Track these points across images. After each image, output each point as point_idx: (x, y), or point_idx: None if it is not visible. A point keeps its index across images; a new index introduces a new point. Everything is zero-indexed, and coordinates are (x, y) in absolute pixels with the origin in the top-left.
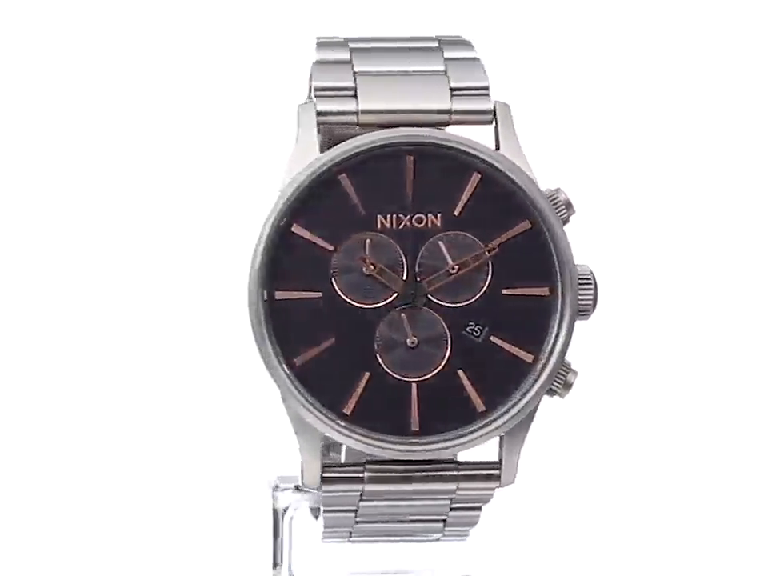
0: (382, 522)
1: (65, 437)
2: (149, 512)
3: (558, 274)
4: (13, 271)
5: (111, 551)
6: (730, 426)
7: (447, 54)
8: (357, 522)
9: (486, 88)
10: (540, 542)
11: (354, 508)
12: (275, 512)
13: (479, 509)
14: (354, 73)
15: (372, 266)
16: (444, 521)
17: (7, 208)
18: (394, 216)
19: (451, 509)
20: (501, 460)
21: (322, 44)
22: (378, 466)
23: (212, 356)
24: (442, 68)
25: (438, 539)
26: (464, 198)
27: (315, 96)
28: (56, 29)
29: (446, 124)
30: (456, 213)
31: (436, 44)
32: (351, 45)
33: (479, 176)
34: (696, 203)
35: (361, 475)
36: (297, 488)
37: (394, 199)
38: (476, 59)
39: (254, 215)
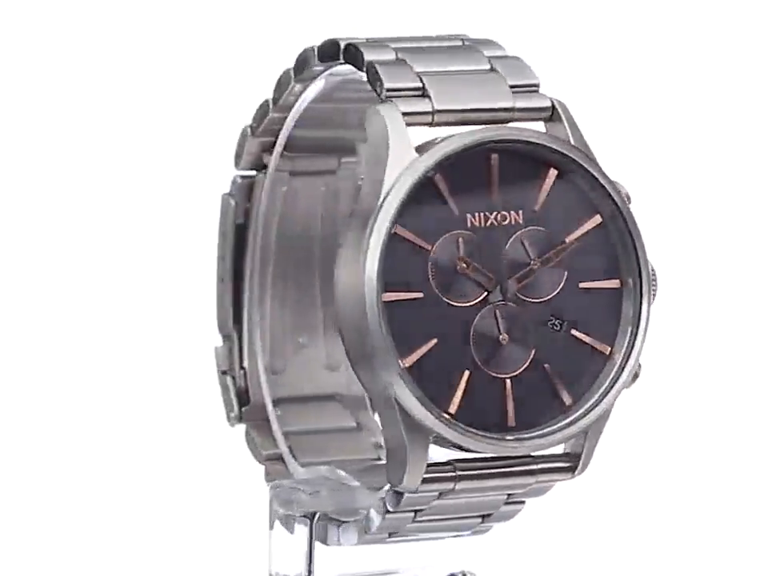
0: (435, 520)
1: (68, 441)
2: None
3: (634, 265)
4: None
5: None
6: (736, 425)
7: (487, 53)
8: (413, 522)
9: (537, 85)
10: (534, 537)
11: (422, 508)
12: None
13: (524, 502)
14: (417, 73)
15: (465, 265)
16: (487, 516)
17: None
18: (482, 214)
19: (505, 503)
20: (581, 452)
21: (364, 45)
22: (467, 464)
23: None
24: (487, 66)
25: (462, 535)
26: (543, 194)
27: (389, 97)
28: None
29: (508, 122)
30: (535, 208)
31: (460, 42)
32: (391, 45)
33: (556, 171)
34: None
35: (453, 474)
36: None
37: (482, 197)
38: (518, 57)
39: None
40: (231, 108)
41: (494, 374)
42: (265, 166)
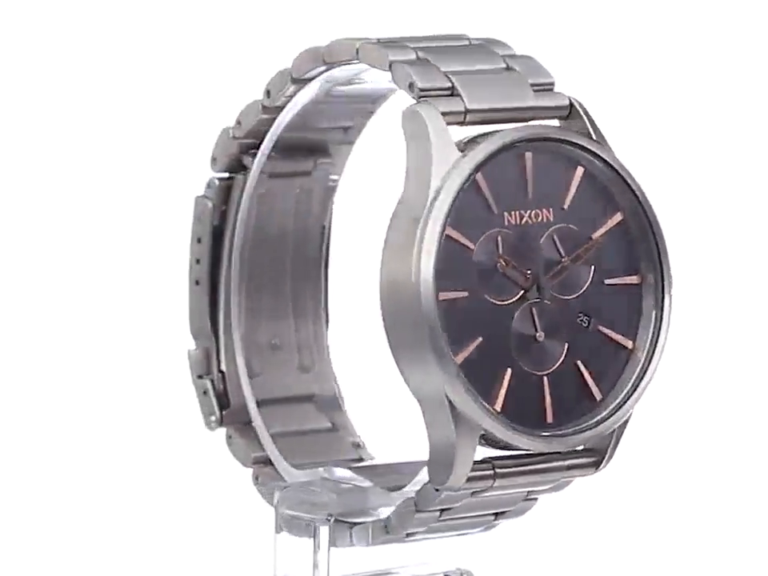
0: (457, 518)
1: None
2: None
3: (655, 261)
4: None
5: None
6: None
7: (500, 52)
8: (437, 521)
9: (553, 83)
10: (528, 534)
11: (452, 506)
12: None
13: (537, 499)
14: (444, 73)
15: (505, 263)
16: (502, 513)
17: None
18: (518, 212)
19: (524, 499)
20: (604, 447)
21: (384, 45)
22: (504, 461)
23: None
24: (503, 65)
25: (470, 533)
26: (571, 191)
27: (422, 97)
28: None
29: (529, 120)
30: (564, 206)
31: (467, 42)
32: (410, 45)
33: (583, 169)
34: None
35: (491, 471)
36: None
37: (518, 195)
38: (530, 56)
39: None
40: (199, 110)
41: (532, 372)
42: (244, 168)
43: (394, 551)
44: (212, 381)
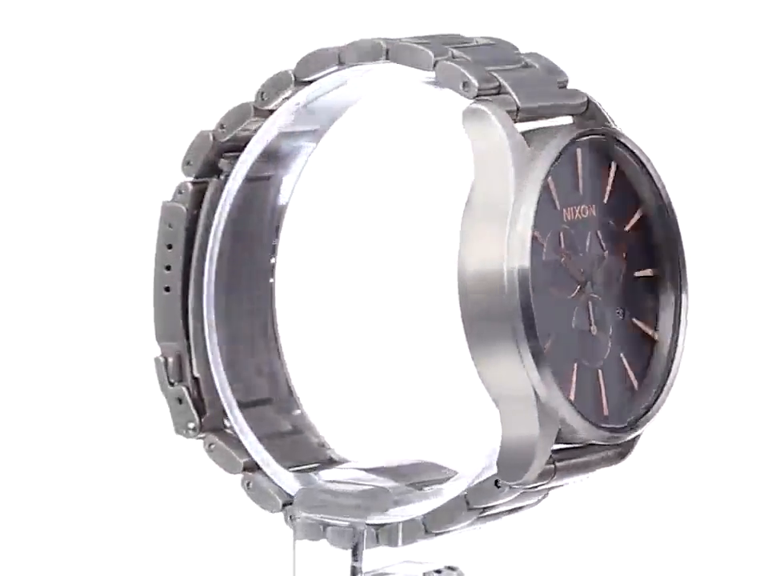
0: (488, 516)
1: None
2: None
3: (674, 254)
4: None
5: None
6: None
7: (513, 51)
8: (478, 518)
9: (568, 80)
10: (514, 530)
11: (497, 504)
12: None
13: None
14: (489, 71)
15: (567, 258)
16: (515, 510)
17: None
18: (572, 208)
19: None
20: (634, 439)
21: (419, 43)
22: (563, 455)
23: None
24: (522, 63)
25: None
26: (608, 186)
27: (479, 96)
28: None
29: (555, 117)
30: (604, 201)
31: (475, 42)
32: (441, 44)
33: (616, 164)
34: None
35: (552, 466)
36: None
37: (572, 191)
38: (539, 54)
39: None
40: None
41: (590, 365)
42: (218, 171)
43: (383, 550)
44: (187, 387)
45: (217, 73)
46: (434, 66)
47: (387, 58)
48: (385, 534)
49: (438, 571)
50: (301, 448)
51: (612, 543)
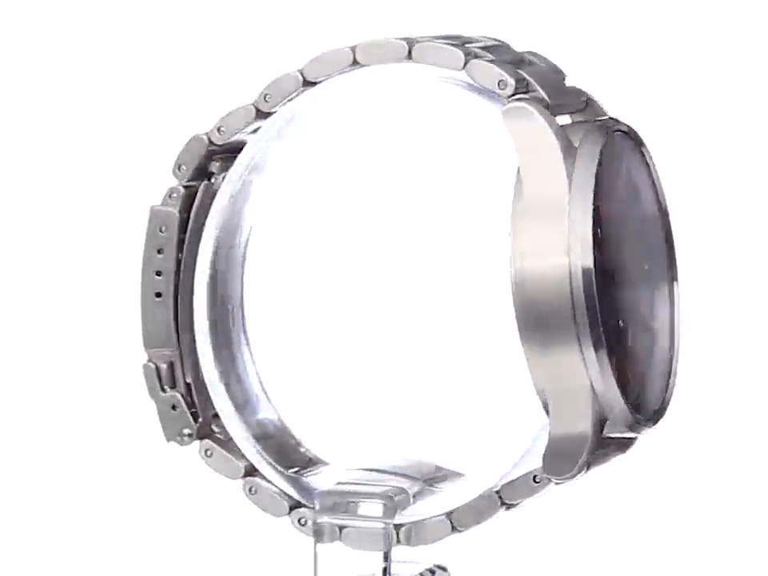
0: (515, 508)
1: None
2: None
3: (669, 248)
4: None
5: None
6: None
7: (515, 49)
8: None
9: (565, 77)
10: (500, 530)
11: (519, 501)
12: None
13: None
14: (516, 70)
15: (602, 254)
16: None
17: None
18: (601, 203)
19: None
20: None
21: (447, 43)
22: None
23: None
24: (527, 60)
25: None
26: (621, 181)
27: (515, 94)
28: None
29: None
30: (620, 196)
31: (483, 42)
32: (464, 43)
33: (626, 160)
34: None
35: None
36: None
37: (600, 188)
38: (534, 52)
39: None
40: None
41: (620, 358)
42: (209, 174)
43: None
44: (181, 394)
45: (199, 77)
46: (465, 65)
47: (410, 58)
48: (414, 532)
49: (432, 572)
50: (287, 450)
51: (610, 543)
